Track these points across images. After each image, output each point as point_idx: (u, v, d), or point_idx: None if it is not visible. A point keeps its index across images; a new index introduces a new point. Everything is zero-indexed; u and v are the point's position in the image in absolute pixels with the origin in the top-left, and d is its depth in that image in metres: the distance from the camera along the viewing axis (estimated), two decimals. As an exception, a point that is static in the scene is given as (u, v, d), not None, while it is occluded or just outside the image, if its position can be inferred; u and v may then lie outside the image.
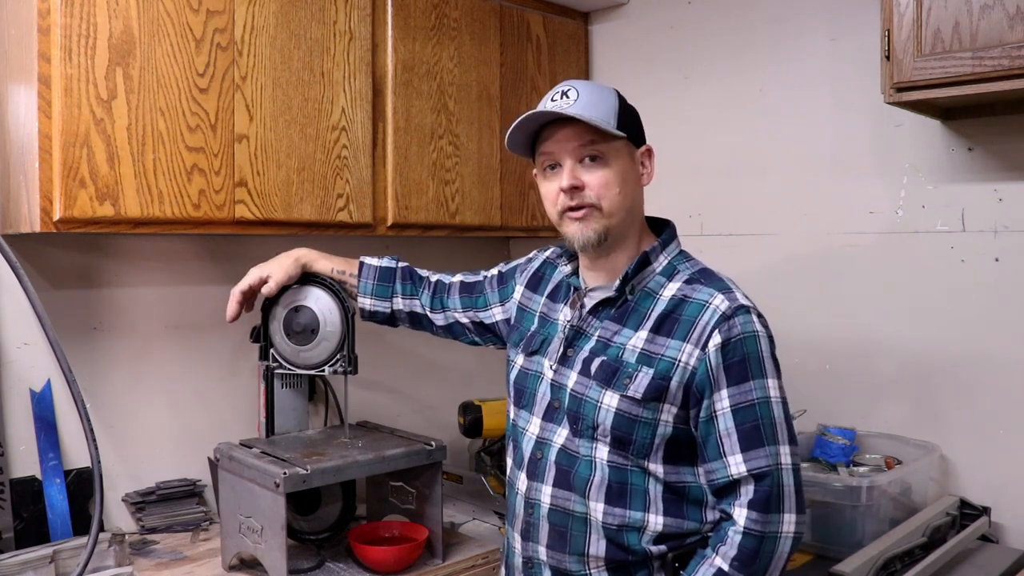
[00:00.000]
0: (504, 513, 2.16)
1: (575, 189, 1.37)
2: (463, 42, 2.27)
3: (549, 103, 1.38)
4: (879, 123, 2.04)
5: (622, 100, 1.42)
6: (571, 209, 1.38)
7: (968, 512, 1.87)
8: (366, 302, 1.76)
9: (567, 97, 1.37)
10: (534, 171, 1.48)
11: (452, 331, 1.75)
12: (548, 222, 2.48)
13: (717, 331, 1.31)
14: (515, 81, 2.41)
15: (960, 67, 1.59)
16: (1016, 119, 1.85)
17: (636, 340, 1.36)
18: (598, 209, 1.37)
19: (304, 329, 1.78)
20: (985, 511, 1.87)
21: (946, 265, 1.97)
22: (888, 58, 1.67)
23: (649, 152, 1.46)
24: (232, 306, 1.72)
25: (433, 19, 2.19)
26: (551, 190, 1.41)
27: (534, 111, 1.37)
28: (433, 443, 1.85)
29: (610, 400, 1.34)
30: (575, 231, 1.39)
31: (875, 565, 1.58)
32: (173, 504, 2.00)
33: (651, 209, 1.49)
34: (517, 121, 1.39)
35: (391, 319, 1.78)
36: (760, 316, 1.36)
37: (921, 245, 2.00)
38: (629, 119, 1.41)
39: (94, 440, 1.53)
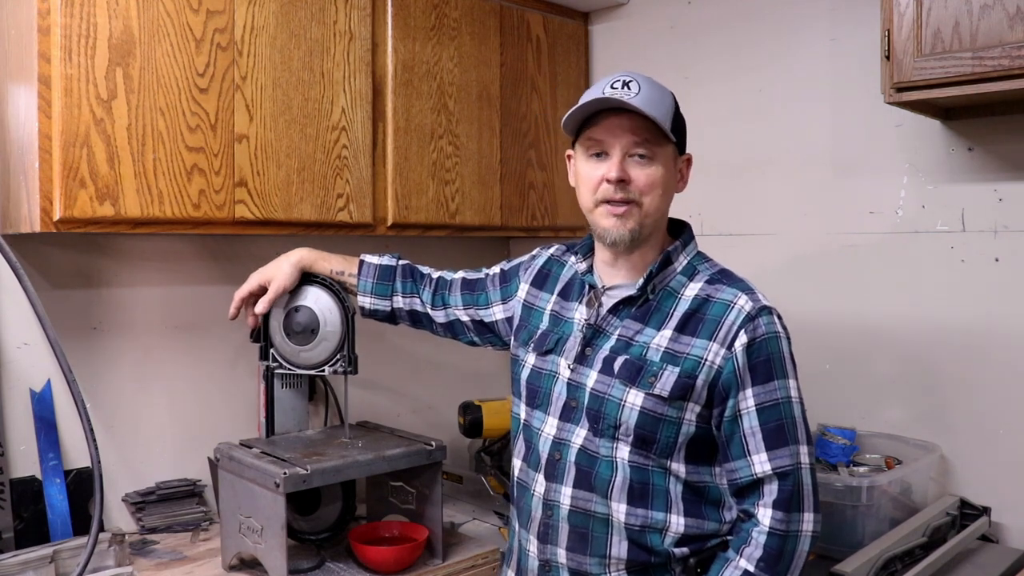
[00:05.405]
0: (504, 513, 2.17)
1: (622, 182, 1.35)
2: (463, 42, 2.26)
3: (609, 90, 1.34)
4: (879, 123, 2.04)
5: (676, 104, 1.41)
6: (611, 203, 1.37)
7: (968, 512, 1.87)
8: (366, 300, 1.76)
9: (629, 88, 1.33)
10: (568, 152, 1.47)
11: (452, 329, 1.74)
12: (548, 222, 2.52)
13: (743, 331, 1.32)
14: (515, 81, 2.41)
15: (960, 67, 1.59)
16: (1016, 119, 1.85)
17: (660, 339, 1.36)
18: (637, 206, 1.36)
19: (304, 329, 1.78)
20: (985, 511, 1.87)
21: (946, 265, 1.97)
22: (888, 58, 1.67)
23: (689, 161, 1.47)
24: (232, 309, 1.77)
25: (433, 19, 2.19)
26: (593, 177, 1.38)
27: (597, 96, 1.34)
28: (433, 443, 1.85)
29: (635, 398, 1.34)
30: (610, 225, 1.37)
31: (875, 565, 1.58)
32: (173, 504, 2.00)
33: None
34: (581, 103, 1.36)
35: (391, 317, 1.78)
36: (780, 318, 1.37)
37: (921, 245, 2.00)
38: (680, 124, 1.41)
39: (94, 440, 1.53)
